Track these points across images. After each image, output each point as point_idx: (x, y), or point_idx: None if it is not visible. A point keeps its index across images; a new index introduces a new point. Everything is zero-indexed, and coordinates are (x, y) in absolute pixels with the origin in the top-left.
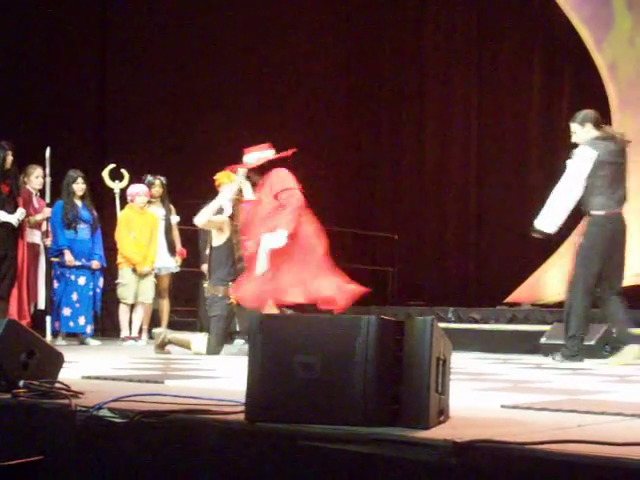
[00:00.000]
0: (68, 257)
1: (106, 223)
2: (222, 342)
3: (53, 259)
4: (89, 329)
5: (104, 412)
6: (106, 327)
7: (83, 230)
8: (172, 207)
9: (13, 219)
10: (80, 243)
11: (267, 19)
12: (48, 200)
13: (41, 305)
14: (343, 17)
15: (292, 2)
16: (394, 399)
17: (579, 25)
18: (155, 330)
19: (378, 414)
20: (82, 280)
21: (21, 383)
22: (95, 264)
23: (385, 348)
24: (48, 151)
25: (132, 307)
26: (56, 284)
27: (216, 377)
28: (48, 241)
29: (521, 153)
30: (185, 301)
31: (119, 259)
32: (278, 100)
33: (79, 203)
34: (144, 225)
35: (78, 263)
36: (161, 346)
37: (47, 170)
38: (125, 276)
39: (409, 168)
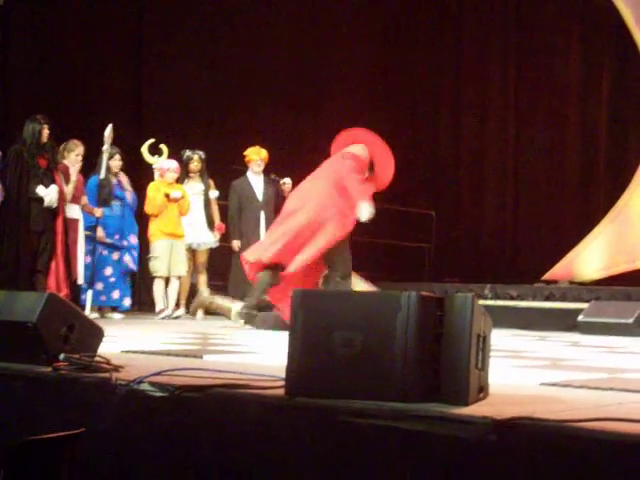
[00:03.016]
0: (100, 233)
1: (145, 199)
2: None
3: (86, 233)
4: (127, 302)
5: (144, 386)
6: (144, 301)
7: (116, 207)
8: (211, 182)
9: (47, 198)
10: (113, 219)
11: (306, 11)
12: (102, 176)
13: (80, 280)
14: (380, 14)
15: None
16: (434, 375)
17: (619, 1)
18: (200, 294)
19: (418, 390)
20: (116, 255)
21: (62, 357)
22: (132, 238)
23: (425, 324)
24: (110, 128)
25: (167, 281)
26: (89, 259)
27: (254, 352)
28: (99, 212)
29: (559, 133)
30: (219, 276)
31: (150, 232)
32: (316, 84)
33: (114, 180)
34: (173, 200)
35: (109, 241)
36: (199, 307)
37: (105, 147)
38: (157, 249)
39: (447, 145)
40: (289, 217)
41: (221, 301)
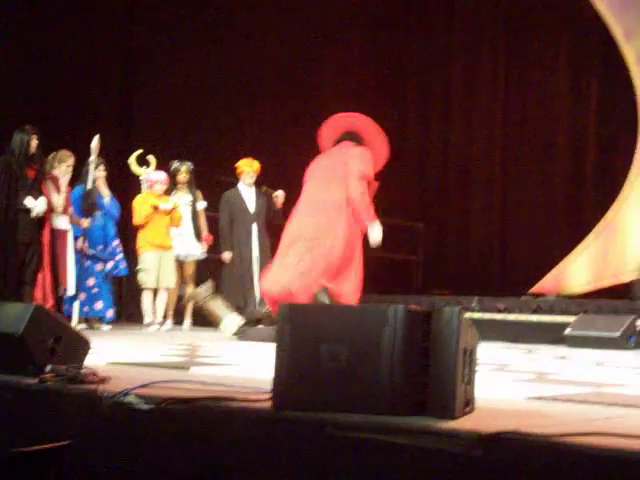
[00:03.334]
0: (80, 244)
1: (131, 210)
2: None
3: None
4: (109, 313)
5: (130, 398)
6: (132, 313)
7: (98, 217)
8: (199, 193)
9: (35, 209)
10: (96, 230)
11: (293, 12)
12: (89, 186)
13: (71, 291)
14: (370, 16)
15: None
16: (420, 389)
17: (608, 16)
18: (202, 287)
19: (404, 404)
20: (99, 266)
21: (48, 368)
22: (115, 243)
23: (412, 338)
24: (96, 139)
25: (155, 293)
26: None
27: (241, 364)
28: (86, 222)
29: (547, 144)
30: None
31: (138, 243)
32: (305, 91)
33: (97, 190)
34: (162, 212)
35: (91, 252)
36: (193, 300)
37: (92, 158)
38: (145, 261)
39: (435, 158)
40: (313, 240)
41: (214, 307)
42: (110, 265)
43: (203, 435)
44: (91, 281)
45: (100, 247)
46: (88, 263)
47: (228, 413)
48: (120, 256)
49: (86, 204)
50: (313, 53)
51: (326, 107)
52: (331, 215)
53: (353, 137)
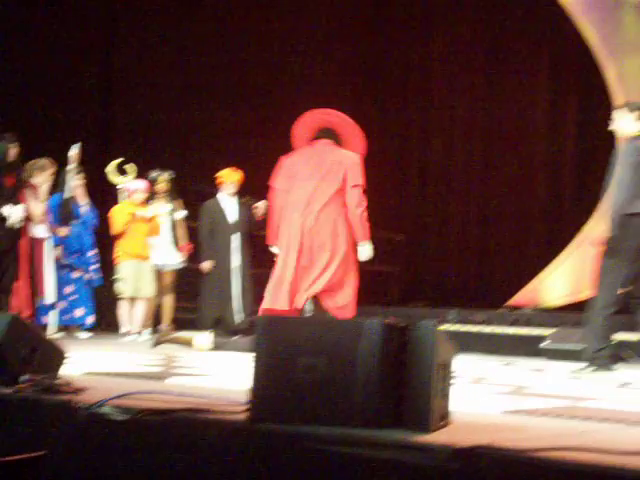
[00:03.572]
0: (58, 253)
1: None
2: None
3: None
4: (89, 320)
5: (105, 409)
6: (109, 322)
7: (75, 226)
8: (178, 202)
9: (11, 217)
10: (73, 238)
11: (271, 22)
12: (67, 195)
13: (49, 300)
14: (349, 28)
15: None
16: (396, 403)
17: (588, 32)
18: (161, 326)
19: (380, 417)
20: (77, 273)
21: (24, 378)
22: (91, 252)
23: (388, 352)
24: (75, 147)
25: (133, 302)
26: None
27: (217, 375)
28: (64, 231)
29: (525, 158)
30: (188, 298)
31: (116, 253)
32: (286, 100)
33: (75, 199)
34: (141, 221)
35: (66, 262)
36: (160, 343)
37: (71, 166)
38: (123, 270)
39: (415, 171)
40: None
41: (181, 335)
42: (88, 276)
43: (179, 446)
44: (69, 289)
45: (76, 255)
46: (65, 271)
47: (204, 425)
48: (95, 266)
49: (64, 213)
50: (294, 63)
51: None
52: (338, 224)
53: (330, 134)
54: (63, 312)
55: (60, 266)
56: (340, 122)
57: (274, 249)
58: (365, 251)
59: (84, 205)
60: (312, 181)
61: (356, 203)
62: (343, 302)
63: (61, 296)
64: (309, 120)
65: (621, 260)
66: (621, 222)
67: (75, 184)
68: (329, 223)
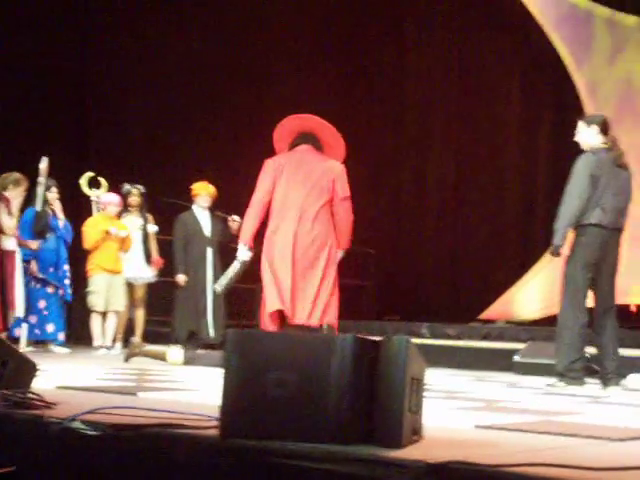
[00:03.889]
0: (33, 267)
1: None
2: None
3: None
4: (61, 336)
5: (77, 424)
6: (81, 336)
7: (51, 239)
8: (150, 216)
9: None
10: (48, 252)
11: (244, 29)
12: (38, 208)
13: (19, 313)
14: (323, 39)
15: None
16: (368, 418)
17: (559, 44)
18: (133, 339)
19: (351, 433)
20: (51, 288)
21: None
22: (66, 267)
23: (360, 367)
24: (45, 161)
25: (105, 316)
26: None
27: (189, 390)
28: (35, 244)
29: (498, 171)
30: (161, 311)
31: (89, 266)
32: (259, 111)
33: (50, 212)
34: (114, 239)
35: (41, 276)
36: (131, 356)
37: (41, 179)
38: (95, 283)
39: (386, 183)
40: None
41: (153, 348)
42: (61, 290)
43: (150, 462)
44: (42, 303)
45: (51, 269)
46: (39, 286)
47: (175, 440)
48: (68, 281)
49: (37, 226)
50: (270, 77)
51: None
52: (329, 237)
53: (310, 139)
54: (35, 327)
55: (35, 280)
56: (319, 127)
57: (244, 249)
58: (339, 256)
59: (61, 219)
60: (304, 190)
61: (347, 214)
62: (329, 321)
63: (35, 310)
64: (289, 124)
65: (579, 269)
66: (578, 232)
67: (51, 197)
68: (321, 236)
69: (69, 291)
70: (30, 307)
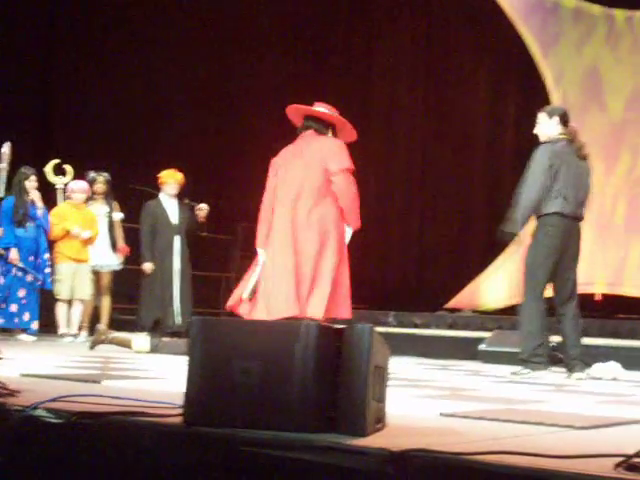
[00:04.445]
0: (13, 255)
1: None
2: None
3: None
4: (34, 325)
5: (40, 412)
6: (46, 323)
7: (30, 228)
8: (116, 204)
9: None
10: (28, 241)
11: (213, 24)
12: (1, 194)
13: None
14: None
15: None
16: (331, 406)
17: (526, 34)
18: (99, 326)
19: (315, 421)
20: (30, 277)
21: None
22: (46, 256)
23: (324, 355)
24: (7, 146)
25: (70, 303)
26: (1, 280)
27: (154, 378)
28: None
29: (465, 163)
30: (126, 299)
31: (54, 254)
32: (226, 101)
33: (28, 200)
34: (81, 221)
35: (21, 265)
36: (97, 343)
37: (3, 165)
38: (60, 271)
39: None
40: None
41: (119, 335)
42: (39, 279)
43: (113, 450)
44: (22, 292)
45: (31, 258)
46: (20, 274)
47: (138, 428)
48: (48, 270)
49: (16, 215)
50: (234, 66)
51: (247, 121)
52: (330, 224)
53: (313, 124)
54: (14, 315)
55: (15, 268)
56: (326, 112)
57: (261, 253)
58: (349, 234)
59: (40, 208)
60: (297, 173)
61: (347, 187)
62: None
63: (14, 299)
64: (295, 109)
65: (542, 258)
66: (541, 222)
67: (29, 186)
68: (321, 222)
69: (49, 280)
70: (11, 295)
